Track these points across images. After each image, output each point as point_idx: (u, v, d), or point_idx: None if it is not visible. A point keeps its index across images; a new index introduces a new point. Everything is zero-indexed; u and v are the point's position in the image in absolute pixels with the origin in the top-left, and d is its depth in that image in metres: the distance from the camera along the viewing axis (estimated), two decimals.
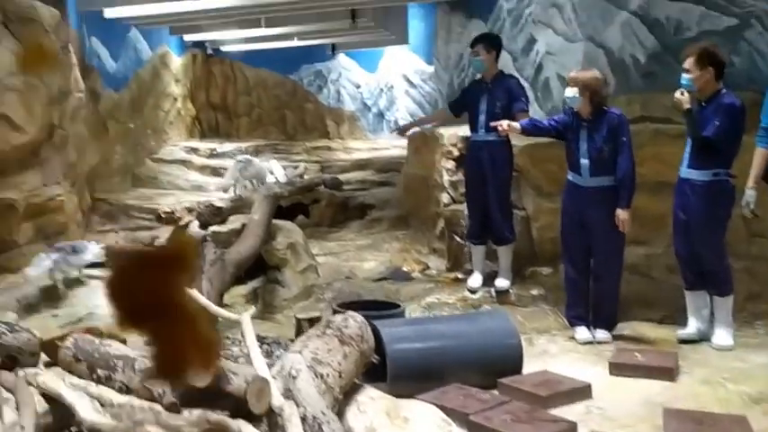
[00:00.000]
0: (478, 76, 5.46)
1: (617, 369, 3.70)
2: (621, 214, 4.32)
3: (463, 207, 5.99)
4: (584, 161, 4.41)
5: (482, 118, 5.18)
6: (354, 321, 3.11)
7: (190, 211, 6.17)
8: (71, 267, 5.30)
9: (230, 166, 7.95)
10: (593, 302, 4.54)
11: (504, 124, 4.63)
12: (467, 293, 5.27)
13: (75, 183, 6.85)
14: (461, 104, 5.43)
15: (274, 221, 6.19)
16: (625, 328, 4.68)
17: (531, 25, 6.54)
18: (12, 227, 5.92)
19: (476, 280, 5.32)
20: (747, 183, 3.97)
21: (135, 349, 2.96)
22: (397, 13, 9.46)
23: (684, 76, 4.10)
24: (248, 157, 8.55)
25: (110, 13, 7.88)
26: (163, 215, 6.11)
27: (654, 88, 5.51)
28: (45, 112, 6.10)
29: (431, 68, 10.79)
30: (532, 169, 5.66)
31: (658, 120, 5.30)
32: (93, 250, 5.29)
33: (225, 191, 7.30)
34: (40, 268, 5.27)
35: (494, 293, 5.24)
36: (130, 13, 7.90)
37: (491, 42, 5.24)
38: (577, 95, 4.38)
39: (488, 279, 5.39)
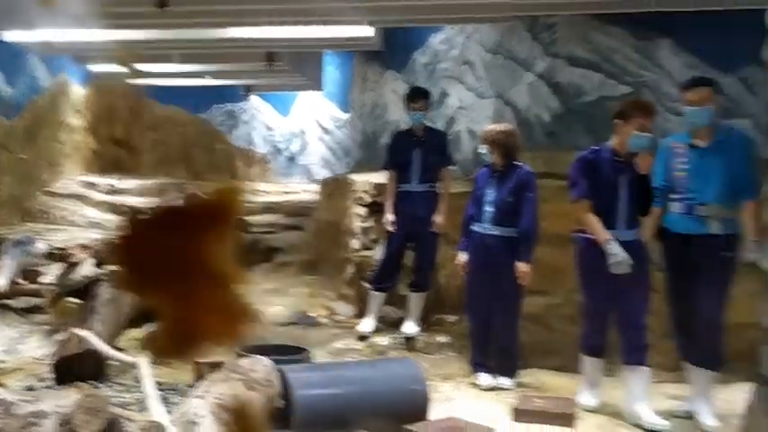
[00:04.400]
0: (403, 126, 5.69)
1: (519, 415, 3.74)
2: (522, 267, 4.47)
3: (373, 253, 6.03)
4: (489, 209, 4.57)
5: (415, 169, 5.34)
6: (262, 366, 3.01)
7: (85, 248, 5.83)
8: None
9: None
10: (496, 350, 4.63)
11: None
12: (375, 340, 5.24)
13: None
14: (395, 159, 5.51)
15: None
16: (526, 375, 4.80)
17: (444, 80, 6.78)
18: None
19: (368, 325, 5.32)
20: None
21: (12, 394, 2.73)
22: (313, 59, 9.56)
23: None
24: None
25: (9, 36, 7.50)
26: (54, 251, 5.72)
27: (556, 146, 5.80)
28: None
29: (345, 116, 10.92)
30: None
31: (560, 176, 5.56)
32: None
33: None
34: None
35: (402, 340, 5.24)
36: (31, 37, 7.54)
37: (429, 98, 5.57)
38: (484, 151, 4.60)
39: (395, 326, 5.40)
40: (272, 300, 6.94)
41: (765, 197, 3.68)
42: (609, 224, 3.88)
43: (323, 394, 3.33)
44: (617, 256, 3.77)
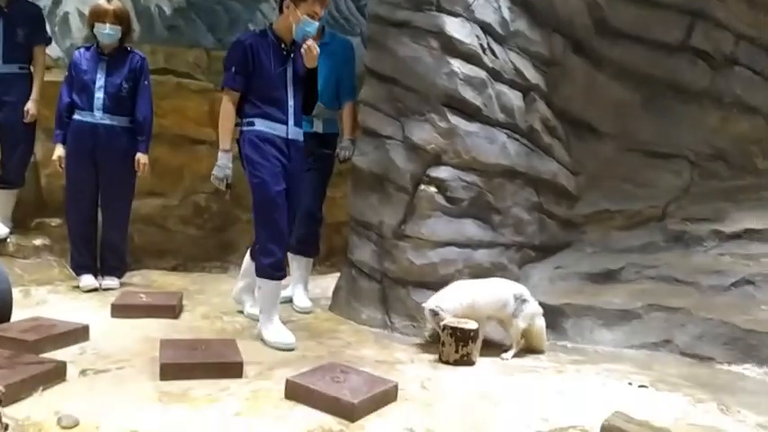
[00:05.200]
0: None
1: (119, 311, 3.58)
2: (143, 158, 4.24)
3: None
4: (100, 96, 4.17)
5: None
6: None
7: None
8: None
9: None
10: (102, 250, 4.33)
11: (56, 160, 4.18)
12: None
13: None
14: None
15: None
16: (136, 275, 4.63)
17: None
18: None
19: None
20: None
21: None
22: None
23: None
24: None
25: None
26: None
27: (177, 42, 5.54)
28: None
29: None
30: (44, 110, 5.09)
31: (180, 74, 5.36)
32: None
33: None
34: None
35: None
36: None
37: None
38: (114, 32, 4.15)
39: None
40: None
41: (360, 100, 4.03)
42: (275, 118, 3.39)
43: None
44: (221, 169, 3.38)
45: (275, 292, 3.42)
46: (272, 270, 3.37)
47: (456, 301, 3.34)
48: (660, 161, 4.47)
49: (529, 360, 3.34)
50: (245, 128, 3.41)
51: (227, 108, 3.39)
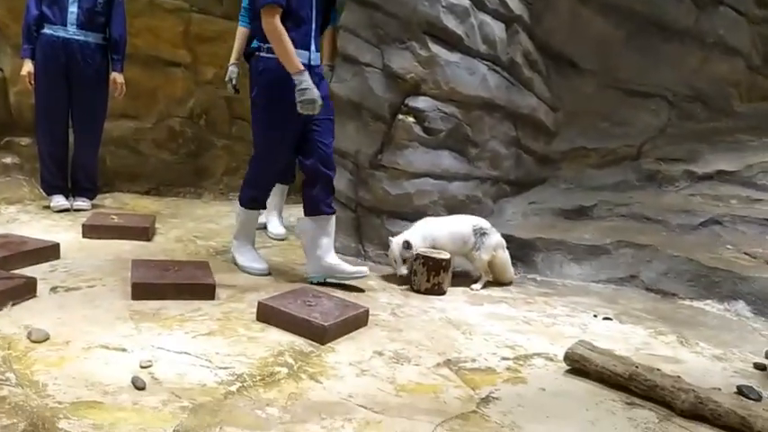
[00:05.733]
0: None
1: (90, 231, 3.55)
2: (119, 77, 4.17)
3: None
4: (74, 11, 4.04)
5: None
6: None
7: None
8: None
9: None
10: (73, 170, 4.28)
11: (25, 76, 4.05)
12: None
13: None
14: None
15: None
16: (107, 198, 4.58)
17: None
18: None
19: None
20: (231, 59, 4.07)
21: None
22: None
23: None
24: None
25: None
26: None
27: None
28: None
29: None
30: (13, 24, 4.89)
31: None
32: None
33: None
34: None
35: None
36: None
37: None
38: None
39: None
40: None
41: (340, 26, 3.92)
42: (299, 44, 3.01)
43: None
44: (310, 91, 2.90)
45: (253, 221, 3.39)
46: (255, 203, 3.33)
47: (417, 243, 3.35)
48: (639, 100, 4.46)
49: (498, 291, 3.40)
50: (264, 54, 3.04)
51: (277, 26, 2.89)
